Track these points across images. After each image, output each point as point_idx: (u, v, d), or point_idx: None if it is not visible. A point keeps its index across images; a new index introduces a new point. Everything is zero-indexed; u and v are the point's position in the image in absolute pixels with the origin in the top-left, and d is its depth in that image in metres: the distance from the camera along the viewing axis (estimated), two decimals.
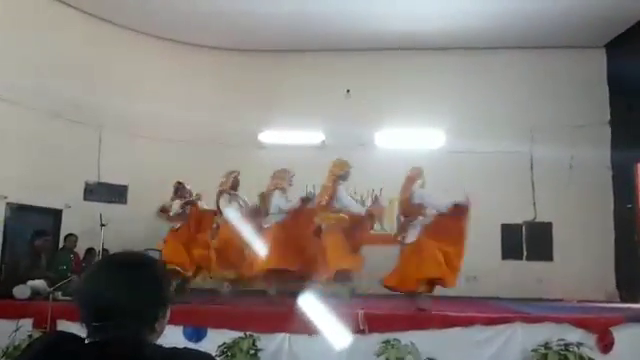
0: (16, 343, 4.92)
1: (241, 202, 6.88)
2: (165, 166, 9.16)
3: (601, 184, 9.50)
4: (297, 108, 9.85)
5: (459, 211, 5.64)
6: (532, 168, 9.70)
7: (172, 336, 4.46)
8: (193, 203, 7.00)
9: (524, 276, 9.00)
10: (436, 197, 5.85)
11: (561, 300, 8.07)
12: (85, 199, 9.00)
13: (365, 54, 10.28)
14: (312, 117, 9.78)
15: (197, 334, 4.98)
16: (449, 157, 9.27)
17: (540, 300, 7.92)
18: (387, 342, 4.71)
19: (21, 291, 5.72)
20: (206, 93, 10.03)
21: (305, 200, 6.34)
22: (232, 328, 4.94)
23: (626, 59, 9.17)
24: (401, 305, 5.81)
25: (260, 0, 8.67)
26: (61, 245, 8.05)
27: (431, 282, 5.69)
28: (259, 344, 4.80)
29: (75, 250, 7.95)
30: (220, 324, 5.05)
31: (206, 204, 7.37)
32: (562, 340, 4.72)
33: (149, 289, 1.22)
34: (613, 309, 6.54)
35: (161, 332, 1.25)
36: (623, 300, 8.58)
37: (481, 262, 8.00)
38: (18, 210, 8.20)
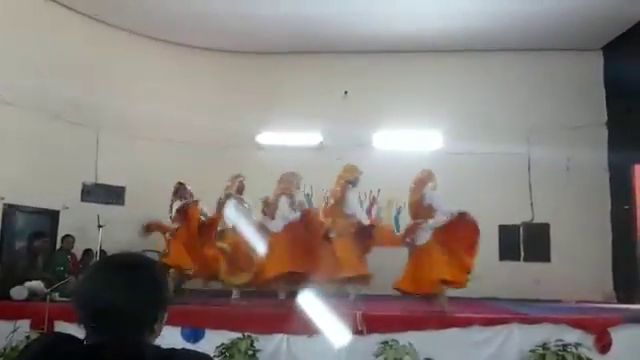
0: (13, 344, 4.91)
1: (247, 206, 6.83)
2: (163, 167, 9.15)
3: (598, 185, 9.53)
4: (296, 109, 9.85)
5: (466, 219, 5.68)
6: (530, 169, 9.73)
7: (170, 337, 4.44)
8: (190, 205, 6.95)
9: (522, 277, 9.02)
10: (444, 202, 5.87)
11: (559, 301, 8.09)
12: (82, 200, 8.98)
13: (364, 56, 10.29)
14: (311, 118, 9.78)
15: (195, 335, 4.97)
16: (447, 158, 9.28)
17: (538, 301, 7.93)
18: (385, 343, 4.72)
19: (18, 292, 5.71)
20: (205, 94, 10.02)
21: (307, 213, 6.28)
22: (230, 329, 4.93)
23: (623, 61, 9.21)
24: (414, 307, 5.78)
25: (259, 2, 8.68)
26: (58, 246, 8.03)
27: (443, 283, 5.71)
28: (257, 345, 4.79)
29: (72, 251, 7.93)
30: (218, 325, 5.04)
31: (205, 205, 7.36)
32: (560, 341, 4.73)
33: (148, 290, 1.22)
34: (611, 310, 6.55)
35: (159, 333, 1.25)
36: (620, 301, 8.60)
37: (479, 263, 7.98)
38: (15, 211, 8.19)
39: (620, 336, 4.87)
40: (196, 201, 7.02)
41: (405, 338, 4.76)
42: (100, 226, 6.98)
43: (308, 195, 9.44)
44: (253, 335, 4.84)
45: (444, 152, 9.61)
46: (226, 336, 4.88)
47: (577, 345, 4.68)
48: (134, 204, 9.16)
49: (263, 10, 8.82)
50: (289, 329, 4.87)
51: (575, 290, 8.41)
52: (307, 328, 4.76)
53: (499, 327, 4.93)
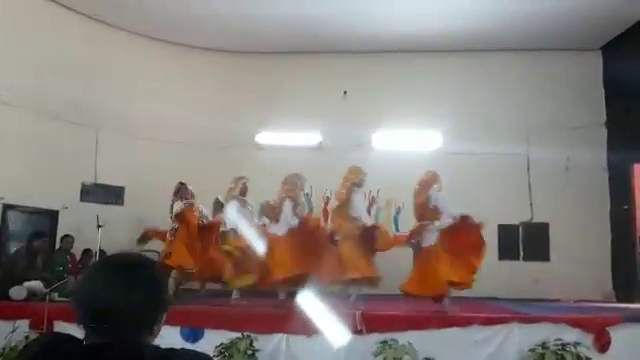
0: (13, 344, 4.91)
1: (250, 208, 6.81)
2: (163, 167, 9.15)
3: (598, 185, 9.54)
4: (296, 109, 9.85)
5: (470, 220, 5.72)
6: (529, 169, 9.74)
7: (169, 337, 4.46)
8: (186, 208, 6.91)
9: (521, 276, 9.03)
10: (449, 204, 5.88)
11: (558, 300, 8.09)
12: (82, 200, 8.98)
13: (363, 56, 10.29)
14: (310, 118, 9.78)
15: (194, 335, 4.96)
16: (447, 158, 9.27)
17: (537, 300, 7.94)
18: (385, 342, 4.71)
19: (17, 292, 5.70)
20: (205, 94, 10.02)
21: (306, 221, 6.26)
22: (229, 329, 4.93)
23: (622, 61, 9.22)
24: (420, 308, 5.78)
25: (259, 2, 8.68)
26: (57, 246, 8.03)
27: (450, 284, 5.73)
28: (257, 344, 4.79)
29: (71, 251, 7.93)
30: (217, 325, 5.04)
31: (204, 206, 7.35)
32: (559, 340, 4.74)
33: (147, 290, 1.21)
34: (610, 309, 6.56)
35: (158, 333, 1.25)
36: (620, 300, 8.61)
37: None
38: (14, 211, 8.18)
39: (619, 335, 4.87)
40: (192, 203, 6.97)
41: (404, 337, 4.76)
42: (99, 226, 6.97)
43: (308, 195, 9.41)
44: (252, 335, 4.84)
45: (443, 152, 9.61)
46: (225, 336, 4.88)
47: (576, 344, 4.69)
48: (133, 204, 9.17)
49: (263, 10, 8.82)
50: (288, 329, 4.87)
51: (574, 289, 8.42)
52: (306, 328, 4.76)
53: (498, 326, 4.93)
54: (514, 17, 8.83)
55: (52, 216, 8.54)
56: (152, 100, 9.30)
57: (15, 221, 8.24)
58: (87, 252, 7.97)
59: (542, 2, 8.42)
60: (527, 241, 9.59)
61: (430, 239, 5.72)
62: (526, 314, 5.31)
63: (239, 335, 4.84)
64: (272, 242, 6.08)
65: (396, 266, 6.19)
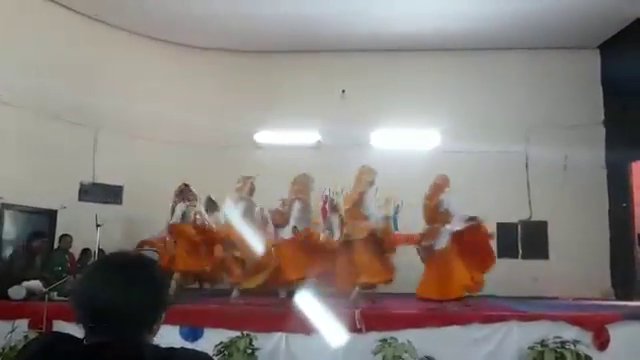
0: (12, 344, 4.90)
1: (257, 209, 6.77)
2: (161, 167, 9.14)
3: (596, 183, 9.55)
4: (295, 108, 9.85)
5: (478, 225, 5.79)
6: (527, 168, 9.74)
7: (168, 336, 4.46)
8: (175, 225, 6.83)
9: (520, 274, 9.03)
10: (459, 207, 5.93)
11: (557, 298, 8.11)
12: (80, 200, 8.96)
13: (362, 55, 10.28)
14: (309, 117, 9.78)
15: (194, 334, 4.96)
16: (445, 157, 9.28)
17: (536, 298, 7.95)
18: (384, 341, 4.72)
19: (16, 292, 5.70)
20: (204, 94, 10.00)
21: (310, 236, 6.24)
22: (229, 327, 4.93)
23: (620, 60, 9.23)
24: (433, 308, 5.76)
25: (259, 2, 8.67)
26: (56, 246, 8.01)
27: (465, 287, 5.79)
28: (256, 343, 4.79)
29: (70, 251, 7.92)
30: (217, 323, 5.03)
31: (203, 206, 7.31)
32: (558, 338, 4.75)
33: (146, 289, 1.21)
34: (608, 307, 6.57)
35: (157, 332, 1.24)
36: (618, 298, 8.63)
37: None
38: (13, 211, 8.17)
39: (618, 333, 4.88)
40: (187, 210, 6.85)
41: (404, 336, 4.76)
42: (98, 225, 6.96)
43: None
44: (252, 334, 4.84)
45: (442, 151, 9.61)
46: (225, 335, 4.88)
47: (575, 342, 4.70)
48: (132, 203, 9.15)
49: (263, 10, 8.81)
50: (288, 328, 4.87)
51: (573, 287, 8.42)
52: (306, 327, 4.76)
53: (498, 324, 4.94)
54: (512, 16, 8.83)
55: (51, 215, 8.53)
56: (151, 99, 9.28)
57: (14, 221, 8.23)
58: (86, 251, 7.96)
59: (540, 1, 8.42)
60: (526, 239, 9.60)
61: (442, 242, 5.78)
62: (525, 312, 5.32)
63: (238, 334, 4.84)
64: (283, 244, 6.06)
65: (397, 265, 6.20)
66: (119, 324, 1.16)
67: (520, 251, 9.58)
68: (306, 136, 10.08)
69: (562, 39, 9.62)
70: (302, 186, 6.33)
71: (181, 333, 4.93)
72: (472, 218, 5.88)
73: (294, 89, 10.17)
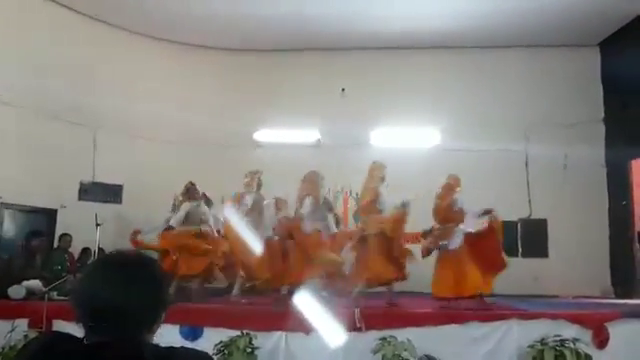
0: (12, 343, 4.90)
1: (266, 203, 6.74)
2: (161, 166, 9.15)
3: (596, 182, 9.56)
4: (295, 107, 9.86)
5: (491, 226, 5.92)
6: (527, 166, 9.75)
7: (168, 335, 4.46)
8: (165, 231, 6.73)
9: (519, 273, 8.98)
10: (471, 206, 6.02)
11: (556, 297, 8.11)
12: (80, 199, 8.97)
13: (362, 53, 10.28)
14: (309, 116, 9.79)
15: (193, 333, 4.96)
16: (445, 155, 9.29)
17: (535, 297, 7.96)
18: (384, 339, 4.72)
19: (16, 291, 5.69)
20: (204, 93, 10.00)
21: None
22: (229, 327, 4.93)
23: (620, 57, 9.23)
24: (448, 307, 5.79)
25: (259, 2, 8.67)
26: (56, 245, 8.01)
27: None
28: (256, 342, 4.79)
29: (70, 250, 7.92)
30: (216, 323, 5.03)
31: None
32: (558, 336, 4.75)
33: (146, 289, 1.21)
34: (608, 305, 6.58)
35: (156, 331, 1.24)
36: (618, 296, 8.63)
37: None
38: (13, 210, 8.17)
39: (618, 331, 4.89)
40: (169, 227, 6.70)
41: (403, 334, 4.76)
42: (98, 225, 6.96)
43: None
44: (252, 333, 4.83)
45: (442, 149, 9.62)
46: (225, 334, 4.87)
47: (575, 340, 4.70)
48: (132, 202, 9.15)
49: (263, 10, 8.82)
50: (287, 326, 4.87)
51: (573, 286, 8.43)
52: (305, 325, 4.77)
53: (497, 323, 4.94)
54: (511, 14, 8.83)
55: (50, 215, 8.53)
56: (151, 99, 9.28)
57: (13, 220, 8.23)
58: (85, 251, 7.96)
59: None
60: (526, 237, 9.60)
61: (457, 242, 5.82)
62: (525, 310, 5.32)
63: (238, 333, 4.84)
64: (302, 240, 6.05)
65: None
66: (119, 323, 1.16)
67: (520, 249, 9.58)
68: (306, 135, 10.08)
69: (562, 37, 9.62)
70: (312, 183, 6.35)
71: (181, 332, 4.93)
72: (487, 211, 5.93)
73: (294, 88, 10.17)
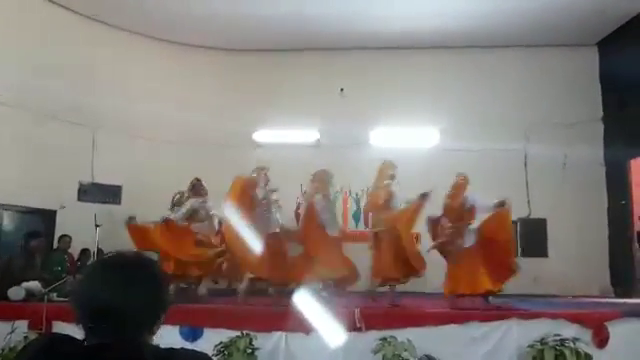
0: (12, 345, 4.89)
1: (275, 196, 6.72)
2: (161, 166, 9.15)
3: (595, 181, 9.56)
4: (294, 107, 9.86)
5: (503, 208, 5.91)
6: (526, 166, 9.75)
7: (168, 336, 4.46)
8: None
9: (519, 272, 9.02)
10: (484, 199, 6.04)
11: (556, 296, 8.11)
12: (79, 200, 8.96)
13: (362, 53, 10.28)
14: (309, 116, 9.79)
15: (193, 334, 4.95)
16: (444, 155, 9.29)
17: (535, 296, 7.96)
18: (384, 339, 4.72)
19: (16, 292, 5.68)
20: (204, 94, 10.00)
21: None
22: (228, 327, 4.92)
23: (618, 57, 9.24)
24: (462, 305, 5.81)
25: (259, 2, 8.67)
26: (55, 246, 8.00)
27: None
28: (256, 343, 4.78)
29: (69, 251, 7.91)
30: (216, 323, 5.03)
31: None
32: (558, 336, 4.74)
33: (146, 289, 1.21)
34: (608, 304, 6.58)
35: (157, 332, 1.24)
36: (617, 295, 8.64)
37: None
38: (12, 211, 8.16)
39: (617, 330, 4.89)
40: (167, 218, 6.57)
41: (404, 334, 4.76)
42: (97, 225, 6.95)
43: (306, 193, 9.43)
44: (252, 333, 4.83)
45: (441, 149, 9.62)
46: (225, 334, 4.86)
47: (575, 340, 4.70)
48: (131, 203, 9.13)
49: (262, 10, 8.82)
50: (287, 327, 4.86)
51: (572, 285, 8.44)
52: (305, 326, 4.76)
53: (497, 323, 4.94)
54: (511, 14, 8.84)
55: (49, 216, 8.52)
56: (151, 99, 9.28)
57: (12, 221, 8.22)
58: (85, 252, 7.96)
59: None
60: (525, 237, 9.61)
61: (470, 240, 5.85)
62: (525, 310, 5.33)
63: (238, 334, 4.83)
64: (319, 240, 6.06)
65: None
66: (119, 325, 1.15)
67: (519, 249, 9.57)
68: (305, 135, 10.08)
69: (560, 36, 9.63)
70: (321, 182, 6.38)
71: (181, 333, 4.92)
72: (501, 203, 5.93)
73: (294, 88, 10.17)
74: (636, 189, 8.95)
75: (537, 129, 9.58)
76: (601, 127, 9.72)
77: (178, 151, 9.64)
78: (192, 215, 6.61)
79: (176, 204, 7.07)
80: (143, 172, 9.13)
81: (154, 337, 1.24)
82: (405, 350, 4.60)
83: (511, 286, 8.38)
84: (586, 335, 4.82)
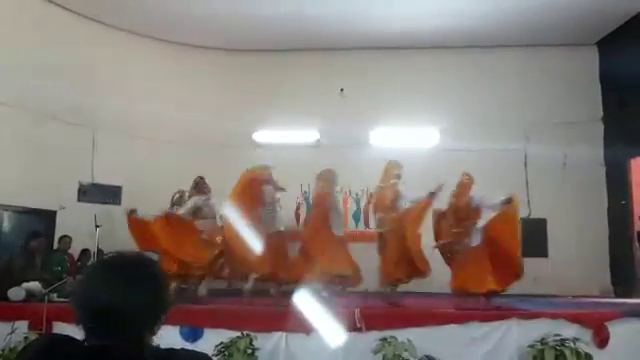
0: (12, 345, 4.90)
1: (277, 197, 6.72)
2: (161, 167, 9.15)
3: (595, 181, 9.56)
4: (294, 107, 9.85)
5: (510, 206, 5.92)
6: (526, 165, 9.75)
7: (168, 336, 4.45)
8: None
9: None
10: (490, 198, 5.98)
11: (556, 296, 8.11)
12: (79, 200, 8.95)
13: (362, 53, 10.28)
14: (309, 116, 9.79)
15: (194, 334, 4.96)
16: (444, 155, 9.29)
17: (535, 296, 7.96)
18: (384, 339, 4.72)
19: (15, 293, 5.68)
20: (203, 93, 9.99)
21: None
22: (229, 328, 4.92)
23: (618, 56, 9.24)
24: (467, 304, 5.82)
25: (259, 2, 8.66)
26: (55, 247, 8.00)
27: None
28: (256, 343, 4.79)
29: (69, 251, 7.91)
30: (217, 324, 5.03)
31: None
32: (558, 336, 4.75)
33: (147, 290, 1.21)
34: (608, 304, 6.58)
35: (157, 332, 1.24)
36: (618, 295, 8.63)
37: None
38: (11, 212, 8.16)
39: (618, 330, 4.89)
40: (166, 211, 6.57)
41: (404, 335, 4.76)
42: (97, 226, 6.95)
43: (306, 193, 9.45)
44: (252, 333, 4.83)
45: (441, 149, 9.62)
46: (225, 335, 4.87)
47: (575, 340, 4.70)
48: (131, 203, 9.09)
49: (262, 10, 8.81)
50: (288, 327, 4.86)
51: (572, 285, 8.43)
52: (306, 326, 4.76)
53: (497, 323, 4.94)
54: (510, 13, 8.84)
55: (49, 216, 8.52)
56: (151, 99, 9.27)
57: (12, 222, 8.22)
58: (85, 252, 7.96)
59: None
60: (525, 237, 9.55)
61: (477, 238, 5.86)
62: (525, 310, 5.33)
63: (239, 334, 4.84)
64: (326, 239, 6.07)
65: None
66: (119, 325, 1.15)
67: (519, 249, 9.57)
68: (305, 135, 10.08)
69: (560, 36, 9.63)
70: (327, 182, 6.40)
71: (181, 333, 4.92)
72: (508, 200, 5.93)
73: (294, 88, 10.17)
74: (636, 189, 8.94)
75: (537, 129, 9.57)
76: (601, 127, 9.72)
77: (178, 151, 9.64)
78: (195, 212, 6.59)
79: (176, 203, 7.08)
80: (143, 172, 9.13)
81: (154, 337, 1.24)
82: (405, 350, 4.61)
83: (511, 286, 8.44)
84: (586, 335, 4.82)
